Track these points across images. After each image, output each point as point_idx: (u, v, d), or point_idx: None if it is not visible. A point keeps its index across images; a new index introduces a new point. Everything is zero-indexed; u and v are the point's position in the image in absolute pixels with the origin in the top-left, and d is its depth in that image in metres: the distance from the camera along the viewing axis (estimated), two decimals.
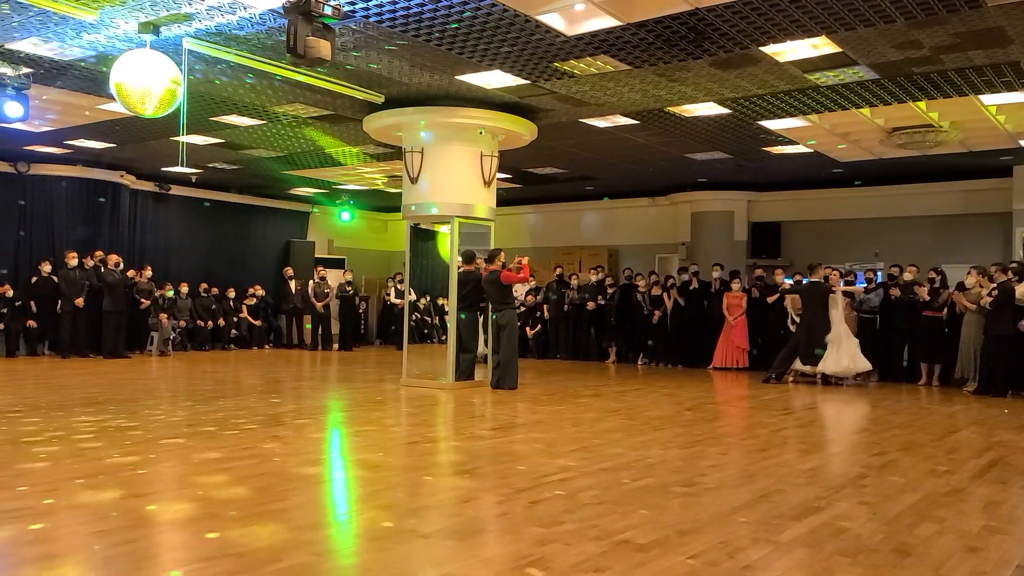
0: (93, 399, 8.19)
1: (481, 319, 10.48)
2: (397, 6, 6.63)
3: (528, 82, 8.72)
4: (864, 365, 10.82)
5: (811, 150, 11.89)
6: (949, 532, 3.93)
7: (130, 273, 14.24)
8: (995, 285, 9.94)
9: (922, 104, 9.45)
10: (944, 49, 7.38)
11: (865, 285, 12.06)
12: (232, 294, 16.43)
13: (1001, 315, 9.85)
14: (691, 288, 13.78)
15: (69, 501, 4.18)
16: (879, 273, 12.90)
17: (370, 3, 6.60)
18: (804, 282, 11.94)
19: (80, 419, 6.87)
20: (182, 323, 15.25)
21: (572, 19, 6.99)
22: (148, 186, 15.95)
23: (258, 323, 16.67)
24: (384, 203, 18.90)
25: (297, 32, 6.14)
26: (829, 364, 10.75)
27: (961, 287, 10.78)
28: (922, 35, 7.02)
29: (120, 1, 6.68)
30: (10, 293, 13.28)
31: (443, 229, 11.31)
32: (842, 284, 11.31)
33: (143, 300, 14.10)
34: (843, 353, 10.70)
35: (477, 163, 9.95)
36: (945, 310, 10.94)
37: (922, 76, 8.25)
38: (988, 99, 9.17)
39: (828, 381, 10.95)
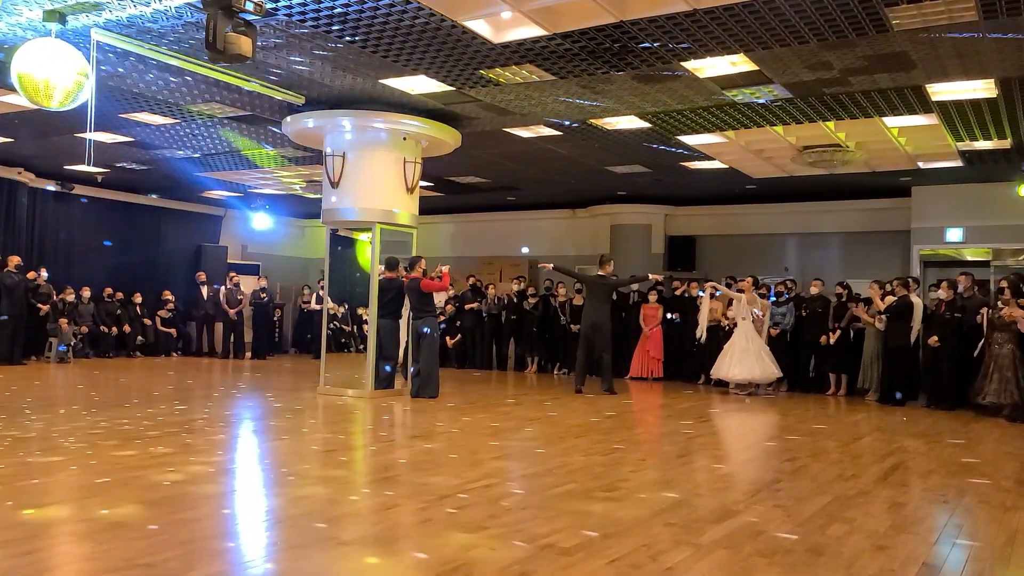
0: None
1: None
2: (321, 5, 6.51)
3: (453, 89, 8.69)
4: (776, 373, 11.13)
5: (726, 165, 12.21)
6: (858, 532, 4.07)
7: (30, 275, 13.50)
8: (887, 301, 10.41)
9: (831, 124, 9.86)
10: (853, 71, 7.71)
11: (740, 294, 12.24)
12: (139, 299, 15.77)
13: (899, 327, 10.32)
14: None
15: None
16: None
17: (293, 1, 6.45)
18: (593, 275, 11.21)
19: None
20: (84, 329, 14.53)
21: (499, 26, 7.01)
22: (49, 184, 15.17)
23: (170, 330, 16.06)
24: (302, 209, 18.51)
25: (216, 27, 5.95)
26: (740, 371, 10.98)
27: (867, 301, 11.23)
28: (833, 56, 7.33)
29: None
30: None
31: (363, 236, 11.13)
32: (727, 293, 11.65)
33: (41, 305, 13.39)
34: (759, 360, 10.97)
35: (400, 169, 9.84)
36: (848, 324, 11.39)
37: (832, 97, 8.61)
38: (891, 121, 9.64)
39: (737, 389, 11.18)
